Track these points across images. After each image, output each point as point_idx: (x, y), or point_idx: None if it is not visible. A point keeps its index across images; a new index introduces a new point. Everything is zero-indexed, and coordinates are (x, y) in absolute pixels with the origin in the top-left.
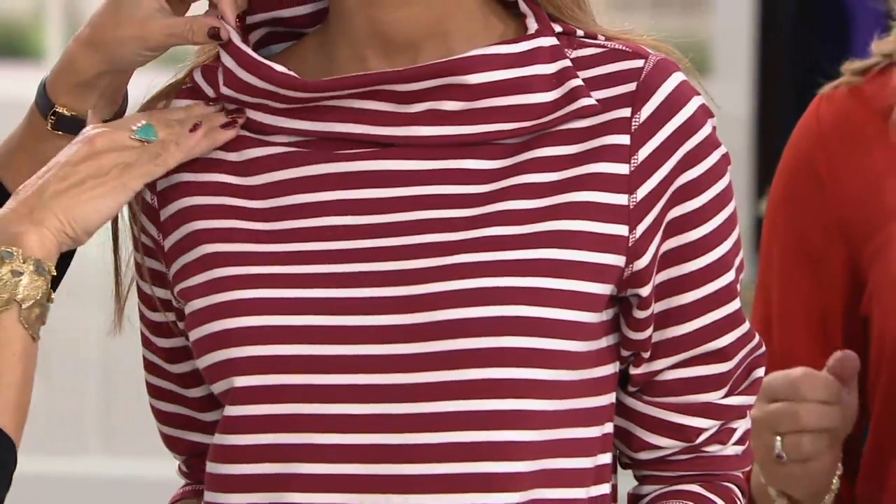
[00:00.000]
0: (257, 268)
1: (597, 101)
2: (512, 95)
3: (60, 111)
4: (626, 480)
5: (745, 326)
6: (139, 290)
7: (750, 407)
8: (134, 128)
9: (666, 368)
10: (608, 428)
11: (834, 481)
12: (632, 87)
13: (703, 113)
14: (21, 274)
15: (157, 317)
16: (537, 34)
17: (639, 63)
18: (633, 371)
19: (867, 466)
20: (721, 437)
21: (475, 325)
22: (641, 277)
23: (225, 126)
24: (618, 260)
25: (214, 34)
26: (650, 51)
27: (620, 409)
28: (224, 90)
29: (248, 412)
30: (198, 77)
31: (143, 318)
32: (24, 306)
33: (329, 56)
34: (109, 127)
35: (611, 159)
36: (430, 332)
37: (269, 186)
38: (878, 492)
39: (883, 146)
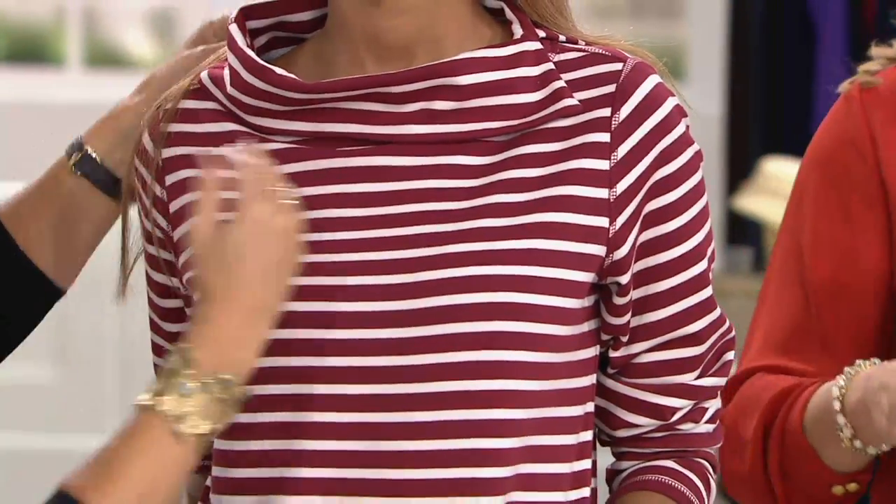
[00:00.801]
0: None
1: (578, 101)
2: (499, 96)
3: (89, 150)
4: (606, 457)
5: (717, 312)
6: (149, 278)
7: (721, 388)
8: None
9: (643, 352)
10: (589, 407)
11: None
12: (611, 88)
13: (678, 113)
14: (225, 402)
15: (166, 303)
16: (522, 39)
17: (618, 66)
18: (613, 354)
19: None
20: (694, 415)
21: (467, 311)
22: (621, 266)
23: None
24: (599, 250)
25: None
26: (628, 55)
27: (600, 389)
28: (230, 91)
29: (251, 392)
30: (205, 79)
31: (152, 305)
32: (207, 434)
33: (328, 60)
34: None
35: (592, 156)
36: (424, 317)
37: None
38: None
39: None
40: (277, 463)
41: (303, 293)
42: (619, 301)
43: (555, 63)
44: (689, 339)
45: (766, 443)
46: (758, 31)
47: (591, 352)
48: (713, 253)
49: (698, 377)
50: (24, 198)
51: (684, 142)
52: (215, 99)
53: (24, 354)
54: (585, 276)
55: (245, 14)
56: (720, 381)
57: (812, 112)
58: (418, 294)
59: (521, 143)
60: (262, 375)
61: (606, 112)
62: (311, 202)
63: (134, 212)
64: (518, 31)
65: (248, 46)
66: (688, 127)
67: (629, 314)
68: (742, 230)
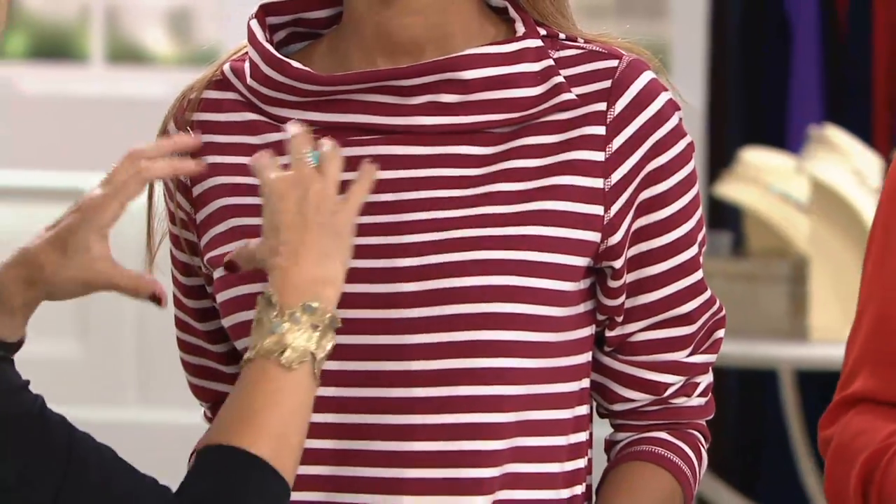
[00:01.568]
0: None
1: (576, 95)
2: (502, 90)
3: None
4: (606, 428)
5: (707, 294)
6: (173, 258)
7: (711, 364)
8: (308, 159)
9: (637, 331)
10: (585, 383)
11: None
12: (607, 84)
13: (671, 106)
14: (318, 327)
15: (189, 281)
16: (524, 37)
17: (614, 63)
18: (609, 333)
19: None
20: (686, 390)
21: (469, 293)
22: (615, 251)
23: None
24: (594, 236)
25: (156, 299)
26: (624, 52)
27: (597, 366)
28: (250, 82)
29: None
30: (227, 71)
31: (176, 281)
32: (318, 358)
33: (342, 55)
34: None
35: (588, 147)
36: (428, 298)
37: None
38: None
39: None
40: None
41: None
42: (613, 284)
43: (555, 59)
44: (680, 319)
45: (866, 499)
46: (737, 29)
47: (587, 331)
48: (703, 238)
49: (690, 354)
50: None
51: (677, 134)
52: (236, 90)
53: (48, 330)
54: (581, 261)
55: (265, 10)
56: (711, 358)
57: (787, 105)
58: (423, 276)
59: (522, 134)
60: None
61: (602, 106)
62: None
63: (158, 193)
64: (520, 29)
65: (266, 41)
66: (681, 120)
67: (623, 296)
68: (722, 215)
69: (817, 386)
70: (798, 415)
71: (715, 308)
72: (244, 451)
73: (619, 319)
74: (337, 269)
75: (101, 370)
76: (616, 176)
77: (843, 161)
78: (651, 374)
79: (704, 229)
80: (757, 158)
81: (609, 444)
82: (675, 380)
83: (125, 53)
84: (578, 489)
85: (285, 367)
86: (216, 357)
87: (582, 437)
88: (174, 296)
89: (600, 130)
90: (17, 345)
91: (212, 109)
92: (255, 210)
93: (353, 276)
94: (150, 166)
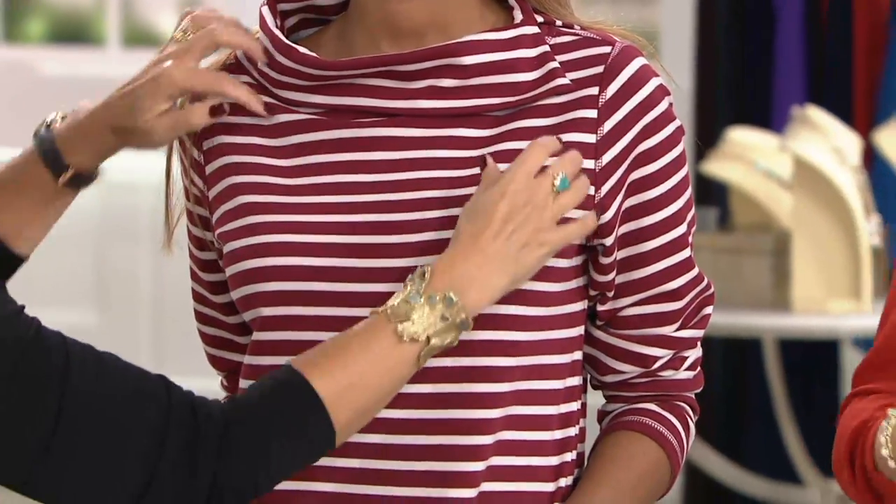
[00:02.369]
0: (285, 216)
1: (570, 80)
2: (499, 74)
3: (76, 167)
4: (600, 398)
5: (695, 272)
6: (189, 232)
7: (699, 339)
8: (556, 181)
9: (628, 306)
10: (577, 356)
11: None
12: (600, 69)
13: (661, 91)
14: (446, 320)
15: (203, 255)
16: (522, 23)
17: (606, 49)
18: (600, 308)
19: None
20: (674, 363)
21: None
22: (606, 229)
23: None
24: (586, 215)
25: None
26: (617, 39)
27: (590, 340)
28: (261, 66)
29: (272, 338)
30: (240, 55)
31: (192, 255)
32: (429, 345)
33: (348, 40)
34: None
35: (581, 130)
36: None
37: (294, 147)
38: None
39: None
40: None
41: (315, 249)
42: (604, 261)
43: (550, 45)
44: (669, 294)
45: (853, 471)
46: (724, 14)
47: (579, 306)
48: (693, 218)
49: (678, 329)
50: None
51: (666, 117)
52: (248, 73)
53: (66, 300)
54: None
55: None
56: (698, 333)
57: (772, 87)
58: (423, 253)
59: (519, 117)
60: (281, 323)
61: (594, 91)
62: (329, 168)
63: (176, 171)
64: (518, 16)
65: (277, 27)
66: (671, 104)
67: (614, 272)
68: (709, 192)
69: (799, 354)
70: (781, 381)
71: (703, 285)
72: (306, 383)
73: (611, 295)
74: (497, 287)
75: (118, 339)
76: (607, 157)
77: (824, 140)
78: (640, 347)
79: (694, 209)
80: (742, 137)
81: (601, 415)
82: (664, 353)
83: (140, 37)
84: (569, 456)
85: (398, 335)
86: (231, 328)
87: (573, 406)
88: (191, 269)
89: (592, 114)
90: (17, 264)
91: None
92: (261, 188)
93: (358, 251)
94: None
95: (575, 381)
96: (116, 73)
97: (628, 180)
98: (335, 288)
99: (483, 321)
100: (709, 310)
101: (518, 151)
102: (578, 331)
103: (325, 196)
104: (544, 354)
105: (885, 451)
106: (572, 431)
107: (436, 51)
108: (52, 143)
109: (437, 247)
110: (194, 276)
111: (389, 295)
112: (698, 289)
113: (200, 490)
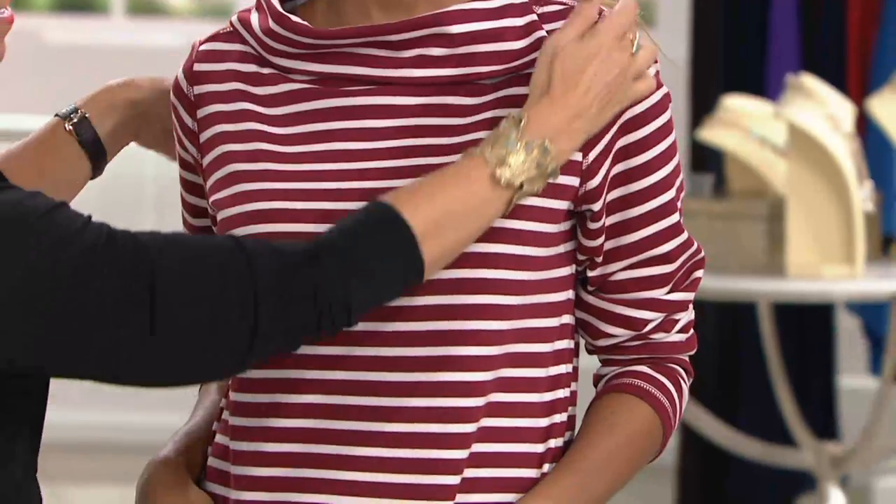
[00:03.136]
0: (278, 183)
1: None
2: (487, 43)
3: (86, 114)
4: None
5: (685, 236)
6: (183, 200)
7: (690, 302)
8: (634, 44)
9: (618, 270)
10: (566, 319)
11: None
12: None
13: None
14: (540, 167)
15: (197, 222)
16: None
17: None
18: (591, 273)
19: None
20: (665, 326)
21: None
22: (593, 195)
23: None
24: (573, 181)
25: None
26: (605, 8)
27: (582, 304)
28: (257, 32)
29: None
30: (236, 22)
31: (186, 223)
32: (522, 190)
33: (340, 10)
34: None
35: None
36: None
37: (288, 116)
38: None
39: None
40: (274, 389)
41: (307, 216)
42: (592, 226)
43: (538, 14)
44: (659, 258)
45: None
46: None
47: (567, 270)
48: (681, 183)
49: (669, 292)
50: (17, 152)
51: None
52: (243, 41)
53: None
54: (561, 204)
55: None
56: (689, 296)
57: (766, 55)
58: None
59: (506, 86)
60: None
61: None
62: (321, 136)
63: None
64: None
65: None
66: (658, 72)
67: (602, 237)
68: (705, 158)
69: (793, 318)
70: (775, 345)
71: (693, 249)
72: (400, 218)
73: (599, 260)
74: (578, 141)
75: None
76: None
77: (818, 107)
78: (631, 310)
79: (682, 175)
80: (738, 105)
81: (596, 378)
82: (655, 316)
83: (144, 6)
84: (558, 418)
85: (494, 179)
86: None
87: (563, 369)
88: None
89: None
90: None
91: (216, 60)
92: (255, 156)
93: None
94: None
95: (564, 344)
96: (121, 42)
97: (616, 146)
98: None
99: (471, 285)
100: (699, 273)
101: None
102: (567, 295)
103: (319, 164)
104: (533, 318)
105: None
106: (562, 394)
107: (424, 20)
108: (75, 106)
109: None
110: None
111: None
112: (688, 252)
113: (307, 314)
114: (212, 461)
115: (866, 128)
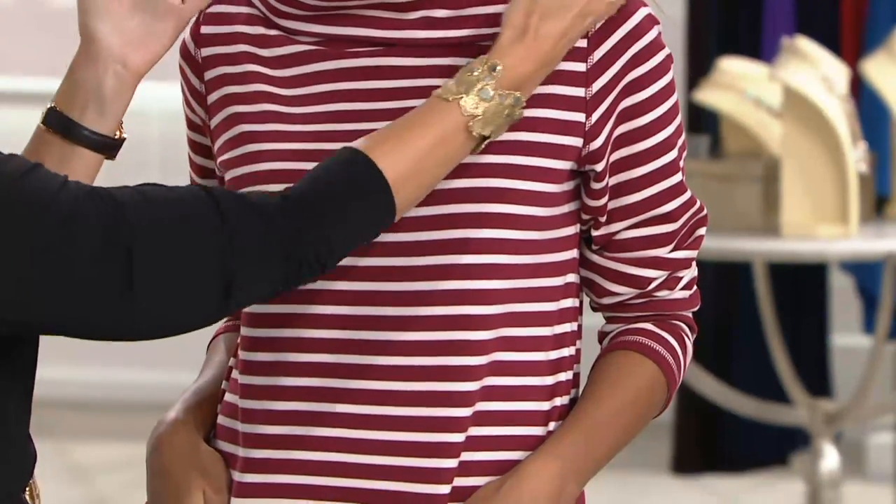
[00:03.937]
0: (285, 144)
1: None
2: (491, 5)
3: (55, 106)
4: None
5: (687, 195)
6: (191, 160)
7: (693, 259)
8: None
9: (622, 230)
10: (570, 278)
11: None
12: None
13: (649, 21)
14: (509, 118)
15: (205, 183)
16: None
17: None
18: (595, 233)
19: None
20: (669, 283)
21: (457, 194)
22: (596, 155)
23: None
24: (576, 141)
25: None
26: None
27: (587, 263)
28: None
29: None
30: None
31: (193, 184)
32: (486, 139)
33: None
34: None
35: (571, 59)
36: (424, 199)
37: (295, 78)
38: None
39: None
40: (283, 349)
41: None
42: (595, 186)
43: None
44: (662, 217)
45: None
46: None
47: (571, 230)
48: (684, 143)
49: (672, 250)
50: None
51: (655, 46)
52: (250, 3)
53: None
54: (564, 164)
55: None
56: (692, 254)
57: (762, 17)
58: None
59: None
60: None
61: None
62: (327, 97)
63: None
64: None
65: None
66: (660, 33)
67: (605, 197)
68: (701, 120)
69: (787, 277)
70: (770, 303)
71: (696, 208)
72: (371, 163)
73: (603, 220)
74: (538, 83)
75: None
76: (597, 85)
77: (812, 69)
78: (635, 269)
79: (684, 135)
80: (733, 67)
81: (601, 336)
82: (658, 274)
83: None
84: (563, 376)
85: (466, 128)
86: None
87: (567, 328)
88: None
89: (582, 43)
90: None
91: (223, 22)
92: (262, 117)
93: None
94: None
95: (569, 302)
96: None
97: (618, 108)
98: None
99: (475, 245)
100: (702, 231)
101: None
102: (571, 254)
103: (326, 124)
104: (538, 277)
105: None
106: (567, 352)
107: None
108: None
109: None
110: None
111: None
112: (691, 211)
113: (284, 265)
114: (221, 419)
115: (860, 90)
